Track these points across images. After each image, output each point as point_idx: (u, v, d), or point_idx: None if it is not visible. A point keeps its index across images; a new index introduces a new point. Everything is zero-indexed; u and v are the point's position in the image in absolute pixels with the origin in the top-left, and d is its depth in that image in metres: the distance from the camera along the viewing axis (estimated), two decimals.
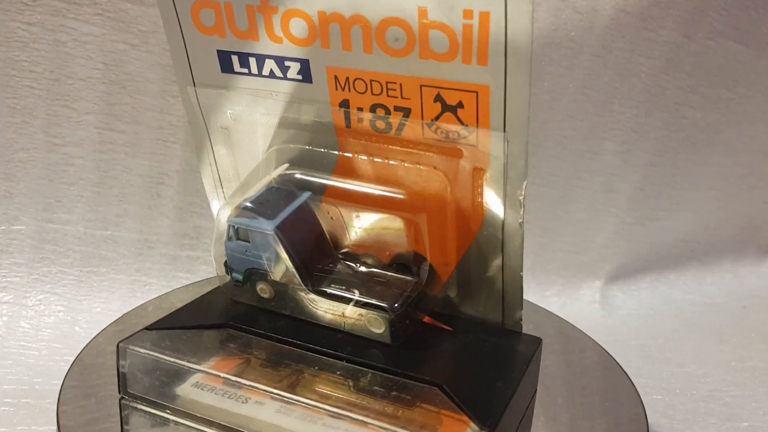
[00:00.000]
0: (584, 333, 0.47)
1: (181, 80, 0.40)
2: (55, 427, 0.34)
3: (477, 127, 0.32)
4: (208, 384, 0.32)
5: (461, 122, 0.32)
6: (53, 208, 0.57)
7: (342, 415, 0.29)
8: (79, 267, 0.58)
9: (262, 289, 0.36)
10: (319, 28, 0.34)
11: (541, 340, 0.35)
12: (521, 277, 0.35)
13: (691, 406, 0.53)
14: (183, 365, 0.32)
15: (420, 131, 0.34)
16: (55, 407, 0.36)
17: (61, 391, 0.37)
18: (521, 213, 0.34)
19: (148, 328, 0.35)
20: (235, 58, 0.37)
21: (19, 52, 0.52)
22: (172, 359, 0.33)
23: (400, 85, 0.33)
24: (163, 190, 0.58)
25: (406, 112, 0.34)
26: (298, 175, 0.37)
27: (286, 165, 0.37)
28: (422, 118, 0.33)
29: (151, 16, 0.53)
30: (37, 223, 0.57)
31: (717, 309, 0.71)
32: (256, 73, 0.37)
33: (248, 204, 0.35)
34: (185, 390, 0.32)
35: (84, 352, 0.41)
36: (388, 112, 0.34)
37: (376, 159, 0.35)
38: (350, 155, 0.36)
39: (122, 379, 0.34)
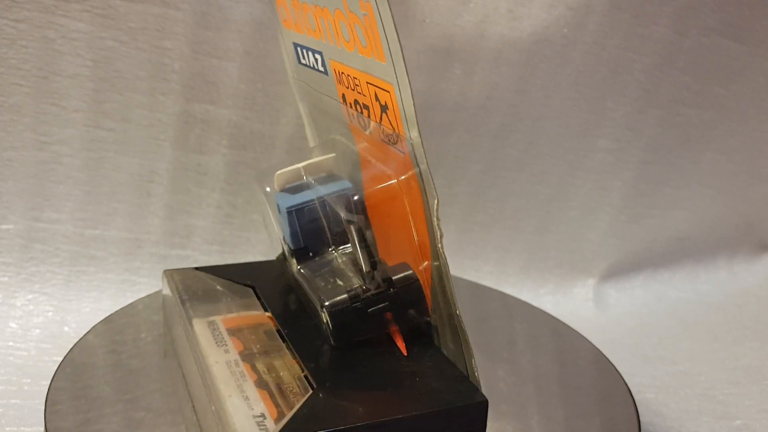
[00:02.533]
0: (578, 332, 0.47)
1: (287, 68, 0.43)
2: (43, 429, 0.34)
3: (399, 131, 0.30)
4: (214, 328, 0.35)
5: (391, 124, 0.31)
6: (42, 207, 0.56)
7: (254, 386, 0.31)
8: (68, 266, 0.58)
9: (292, 264, 0.38)
10: (317, 21, 0.34)
11: (485, 403, 0.30)
12: (459, 316, 0.31)
13: (685, 405, 0.53)
14: (178, 305, 0.37)
15: (377, 132, 0.32)
16: (43, 408, 0.35)
17: (49, 391, 0.37)
18: (438, 237, 0.30)
19: (196, 269, 0.41)
20: (299, 50, 0.39)
21: (7, 50, 0.52)
22: (175, 297, 0.38)
23: (359, 80, 0.32)
24: (152, 188, 0.58)
25: (368, 111, 0.33)
26: (331, 168, 0.39)
27: (333, 155, 0.38)
28: (374, 117, 0.32)
29: (140, 13, 0.52)
30: (25, 222, 0.56)
31: (711, 307, 0.71)
32: (308, 64, 0.38)
33: (290, 185, 0.38)
34: (197, 323, 0.36)
35: (73, 352, 0.40)
36: (360, 108, 0.33)
37: (363, 157, 0.35)
38: (361, 150, 0.36)
39: (163, 300, 0.41)
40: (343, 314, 0.33)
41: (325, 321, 0.33)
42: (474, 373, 0.31)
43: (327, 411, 0.29)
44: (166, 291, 0.40)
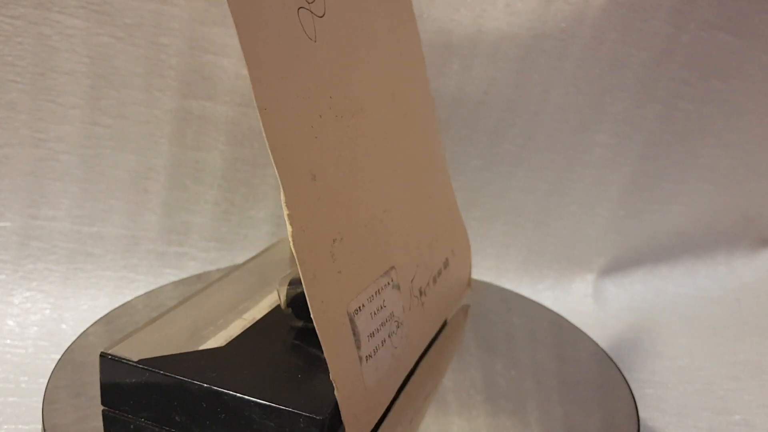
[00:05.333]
0: (577, 327, 0.47)
1: None
2: (41, 426, 0.34)
3: None
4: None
5: None
6: (39, 204, 0.56)
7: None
8: (65, 264, 0.58)
9: None
10: None
11: (317, 421, 0.29)
12: (316, 324, 0.30)
13: (684, 400, 0.53)
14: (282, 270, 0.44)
15: None
16: (41, 406, 0.35)
17: (46, 389, 0.36)
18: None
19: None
20: None
21: (3, 46, 0.52)
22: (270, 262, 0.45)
23: None
24: (150, 185, 0.58)
25: None
26: None
27: None
28: None
29: (136, 9, 0.52)
30: (22, 220, 0.56)
31: (710, 302, 0.71)
32: None
33: None
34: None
35: (71, 350, 0.40)
36: None
37: None
38: None
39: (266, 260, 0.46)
40: (296, 297, 0.35)
41: (280, 300, 0.36)
42: (334, 389, 0.29)
43: (186, 362, 0.32)
44: (281, 255, 0.45)
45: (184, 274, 0.59)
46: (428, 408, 0.36)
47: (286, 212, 0.27)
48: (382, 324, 0.33)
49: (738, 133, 0.70)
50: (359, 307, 0.31)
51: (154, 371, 0.32)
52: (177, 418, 0.32)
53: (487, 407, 0.36)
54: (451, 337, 0.43)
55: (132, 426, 0.33)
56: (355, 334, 0.31)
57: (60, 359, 0.39)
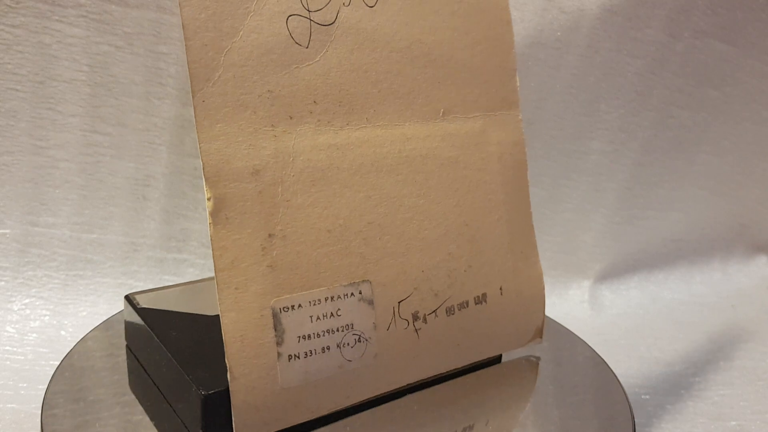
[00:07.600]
0: (573, 333, 0.47)
1: None
2: None
3: None
4: None
5: None
6: (38, 211, 0.56)
7: None
8: (65, 270, 0.58)
9: None
10: None
11: (201, 398, 0.30)
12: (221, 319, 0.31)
13: (680, 406, 0.54)
14: None
15: None
16: (40, 412, 0.35)
17: (45, 395, 0.37)
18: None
19: None
20: None
21: (3, 55, 0.52)
22: None
23: None
24: (149, 192, 0.58)
25: None
26: None
27: None
28: None
29: (135, 18, 0.53)
30: (22, 227, 0.56)
31: (706, 308, 0.71)
32: None
33: None
34: None
35: (70, 356, 0.40)
36: None
37: None
38: None
39: None
40: None
41: None
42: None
43: (168, 319, 0.36)
44: None
45: (182, 281, 0.60)
46: (424, 413, 0.36)
47: (207, 195, 0.29)
48: (329, 331, 0.32)
49: (732, 139, 0.71)
50: (293, 306, 0.31)
51: (141, 318, 0.36)
52: (149, 362, 0.36)
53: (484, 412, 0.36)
54: (489, 377, 0.40)
55: (128, 361, 0.39)
56: (278, 329, 0.31)
57: (59, 365, 0.39)
